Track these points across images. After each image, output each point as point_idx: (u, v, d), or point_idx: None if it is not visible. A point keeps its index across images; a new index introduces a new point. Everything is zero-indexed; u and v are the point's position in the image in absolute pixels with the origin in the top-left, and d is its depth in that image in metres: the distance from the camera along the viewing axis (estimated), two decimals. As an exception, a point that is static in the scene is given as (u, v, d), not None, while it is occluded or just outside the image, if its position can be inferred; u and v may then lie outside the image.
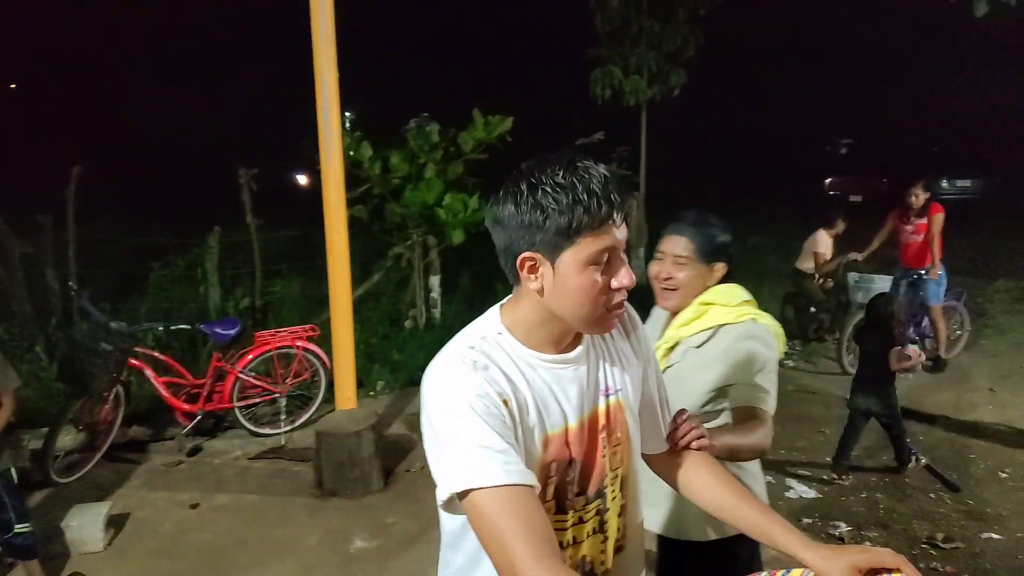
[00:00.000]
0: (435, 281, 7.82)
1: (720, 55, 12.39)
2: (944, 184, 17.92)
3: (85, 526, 3.70)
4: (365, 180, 7.10)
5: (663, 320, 2.07)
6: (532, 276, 1.18)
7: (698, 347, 1.90)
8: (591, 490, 1.28)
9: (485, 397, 1.15)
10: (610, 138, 8.20)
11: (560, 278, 1.15)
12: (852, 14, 18.31)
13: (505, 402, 1.17)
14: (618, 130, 8.75)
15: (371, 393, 6.12)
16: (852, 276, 6.63)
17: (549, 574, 1.02)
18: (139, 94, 17.46)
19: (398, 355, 6.92)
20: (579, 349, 1.27)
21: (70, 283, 5.85)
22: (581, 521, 1.28)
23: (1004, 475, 4.48)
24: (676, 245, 1.93)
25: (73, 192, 6.59)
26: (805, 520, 3.97)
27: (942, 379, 6.41)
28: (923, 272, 6.50)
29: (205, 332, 5.15)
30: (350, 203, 6.89)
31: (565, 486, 1.25)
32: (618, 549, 1.36)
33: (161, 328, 5.11)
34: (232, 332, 5.04)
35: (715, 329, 1.89)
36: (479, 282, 8.91)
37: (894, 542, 3.70)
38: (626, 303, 1.28)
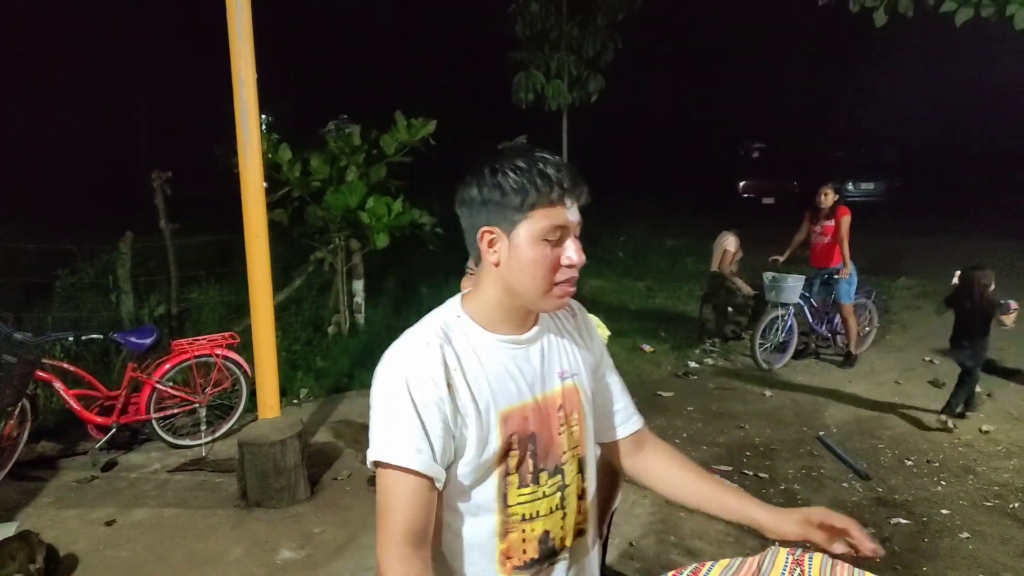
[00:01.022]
0: (358, 286, 7.73)
1: (638, 61, 12.72)
2: (849, 187, 18.81)
3: (-10, 548, 3.51)
4: (284, 183, 6.98)
5: None
6: (491, 249, 1.29)
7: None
8: (550, 465, 1.36)
9: (427, 381, 1.24)
10: (533, 141, 8.24)
11: (515, 250, 1.27)
12: (765, 22, 19.04)
13: (449, 385, 1.25)
14: (540, 134, 8.86)
15: (294, 401, 6.01)
16: (767, 276, 6.91)
17: (398, 560, 1.17)
18: (40, 94, 16.56)
19: (322, 362, 6.82)
20: (534, 330, 1.38)
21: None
22: (544, 496, 1.35)
23: (909, 463, 4.77)
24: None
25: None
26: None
27: (852, 374, 6.76)
28: (834, 272, 6.84)
29: (119, 342, 4.94)
30: (269, 207, 6.73)
31: (527, 459, 1.33)
32: (579, 532, 1.43)
33: (71, 338, 4.88)
34: (148, 341, 4.86)
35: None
36: (404, 286, 8.88)
37: None
38: (572, 301, 1.43)
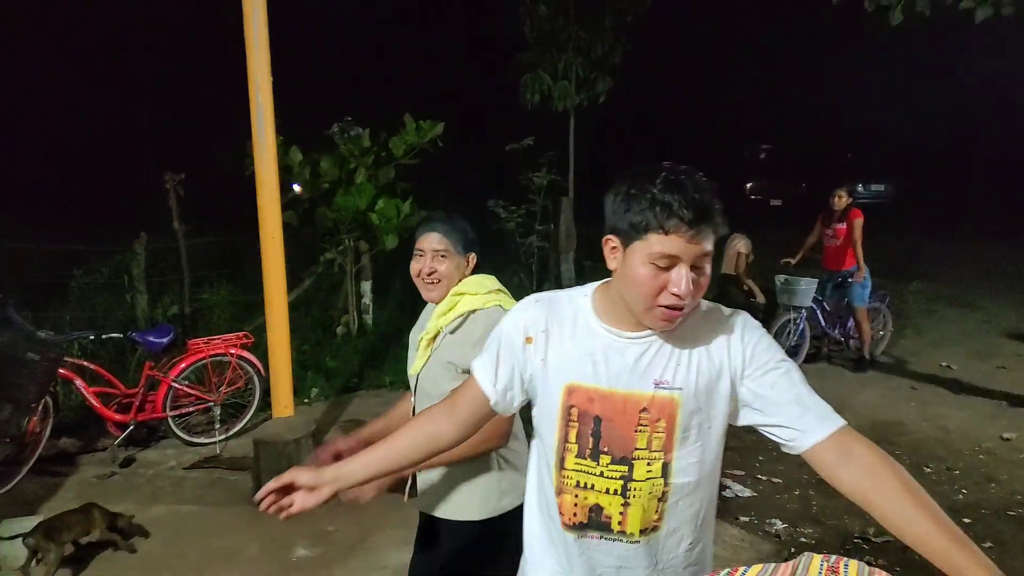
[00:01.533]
0: (367, 287, 7.82)
1: (646, 62, 12.77)
2: (860, 188, 18.74)
3: (11, 542, 3.61)
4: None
5: (430, 312, 2.25)
6: (611, 256, 1.42)
7: (452, 332, 2.08)
8: (616, 452, 1.46)
9: (516, 327, 1.54)
10: (540, 143, 8.37)
11: (627, 264, 1.37)
12: (773, 22, 19.06)
13: (529, 339, 1.52)
14: (548, 135, 8.94)
15: (305, 400, 6.10)
16: (779, 279, 6.91)
17: (441, 408, 1.62)
18: (56, 97, 16.72)
19: (331, 362, 6.92)
20: (641, 335, 1.45)
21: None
22: (601, 475, 1.47)
23: (928, 470, 4.75)
24: (434, 241, 2.14)
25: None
26: (742, 518, 4.13)
27: (866, 378, 6.73)
28: (847, 274, 6.84)
29: (137, 341, 5.05)
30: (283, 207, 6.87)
31: (587, 436, 1.47)
32: (652, 528, 1.50)
33: (91, 337, 4.98)
34: (165, 340, 4.97)
35: (466, 315, 2.06)
36: (411, 287, 8.91)
37: (828, 538, 3.88)
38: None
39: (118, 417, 4.83)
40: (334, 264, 7.53)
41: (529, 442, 1.69)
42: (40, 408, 4.52)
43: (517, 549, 1.95)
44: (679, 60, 19.99)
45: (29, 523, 3.71)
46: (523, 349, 1.52)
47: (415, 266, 2.16)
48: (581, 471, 1.48)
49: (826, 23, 14.76)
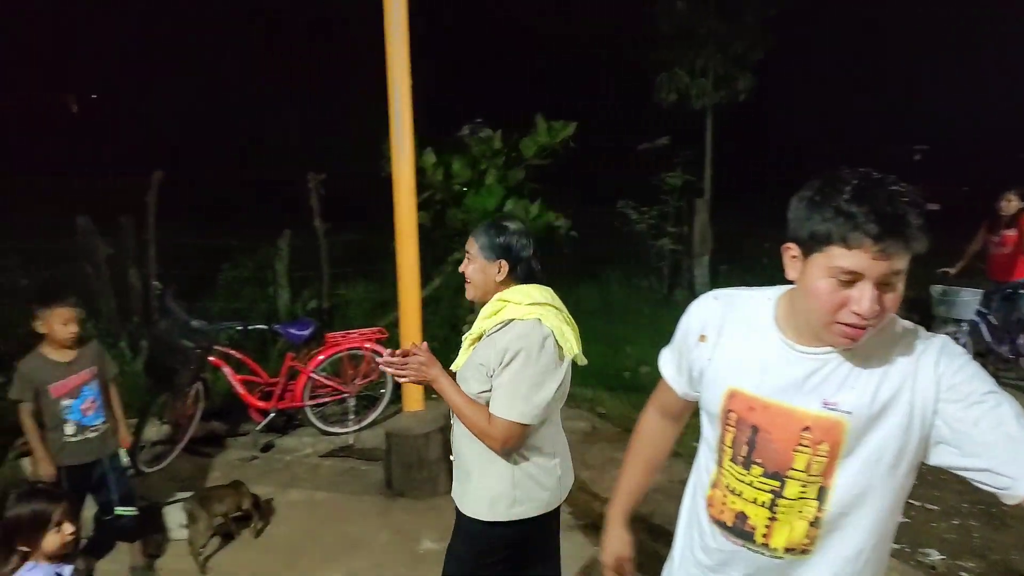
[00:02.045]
0: (494, 287, 7.87)
1: (791, 58, 12.19)
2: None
3: (167, 514, 3.87)
4: (427, 186, 7.21)
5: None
6: (791, 264, 1.34)
7: (490, 336, 2.13)
8: (769, 467, 1.39)
9: (694, 322, 1.55)
10: (675, 142, 8.16)
11: (806, 274, 1.29)
12: (926, 16, 17.74)
13: (702, 336, 1.51)
14: (683, 134, 8.69)
15: (433, 396, 6.18)
16: (936, 289, 6.37)
17: (648, 408, 1.80)
18: (210, 100, 18.02)
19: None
20: (817, 350, 1.35)
21: (155, 283, 6.09)
22: (750, 485, 1.42)
23: None
24: (469, 245, 2.26)
25: (154, 195, 6.88)
26: (893, 546, 3.85)
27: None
28: (1018, 286, 6.21)
29: (279, 332, 5.31)
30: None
31: (742, 444, 1.43)
32: (801, 550, 1.41)
33: (239, 328, 5.26)
34: (306, 333, 5.18)
35: (507, 322, 2.10)
36: (537, 288, 8.95)
37: (992, 573, 3.58)
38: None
39: (261, 404, 5.09)
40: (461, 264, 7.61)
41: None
42: (193, 392, 4.83)
43: (520, 558, 2.24)
44: (825, 56, 18.94)
45: (182, 498, 3.97)
46: (696, 345, 1.53)
47: (461, 265, 2.31)
48: (733, 475, 1.45)
49: (987, 14, 13.54)
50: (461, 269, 2.28)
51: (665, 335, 1.70)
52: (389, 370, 2.18)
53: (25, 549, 2.17)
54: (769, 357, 1.39)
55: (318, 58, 17.81)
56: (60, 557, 2.24)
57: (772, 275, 1.39)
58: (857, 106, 20.41)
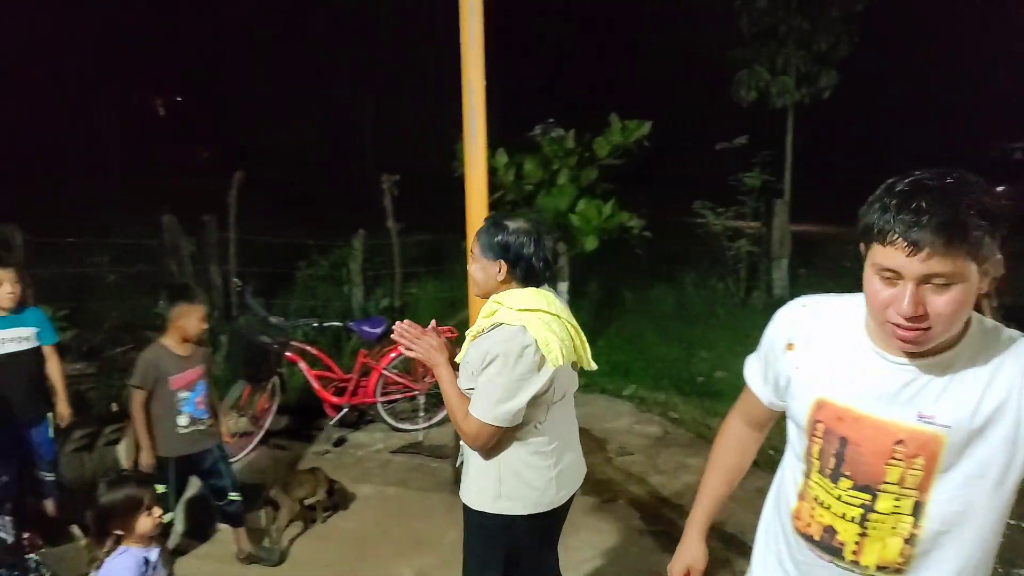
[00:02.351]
0: (563, 287, 7.81)
1: (877, 54, 11.71)
2: None
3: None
4: (499, 186, 7.22)
5: None
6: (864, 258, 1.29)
7: (481, 336, 2.17)
8: (859, 480, 1.33)
9: (779, 332, 1.51)
10: (753, 142, 7.94)
11: (864, 273, 1.28)
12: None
13: (789, 345, 1.47)
14: (762, 134, 8.45)
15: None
16: None
17: (726, 422, 1.79)
18: (286, 102, 18.57)
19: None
20: (910, 360, 1.29)
21: (235, 279, 6.29)
22: (839, 499, 1.36)
23: None
24: (472, 244, 2.30)
25: (235, 195, 7.12)
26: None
27: None
28: None
29: (353, 330, 5.40)
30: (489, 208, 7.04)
31: (830, 456, 1.37)
32: (895, 569, 1.35)
33: (315, 324, 5.38)
34: (379, 331, 5.26)
35: (496, 325, 2.13)
36: (607, 290, 8.85)
37: None
38: None
39: (334, 399, 5.18)
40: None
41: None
42: (270, 387, 4.96)
43: (514, 554, 2.31)
44: (917, 52, 18.11)
45: (258, 490, 4.07)
46: (783, 354, 1.48)
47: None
48: (821, 488, 1.40)
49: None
50: (468, 268, 2.33)
51: (741, 339, 1.66)
52: (401, 339, 2.22)
53: (119, 533, 2.27)
54: (860, 366, 1.34)
55: (393, 59, 18.15)
56: (148, 540, 2.33)
57: (855, 280, 1.32)
58: (952, 102, 19.43)
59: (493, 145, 6.97)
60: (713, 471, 1.79)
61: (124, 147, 20.61)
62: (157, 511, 2.34)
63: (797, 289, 8.68)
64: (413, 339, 2.21)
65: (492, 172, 6.99)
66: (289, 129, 17.92)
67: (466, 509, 2.34)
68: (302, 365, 5.13)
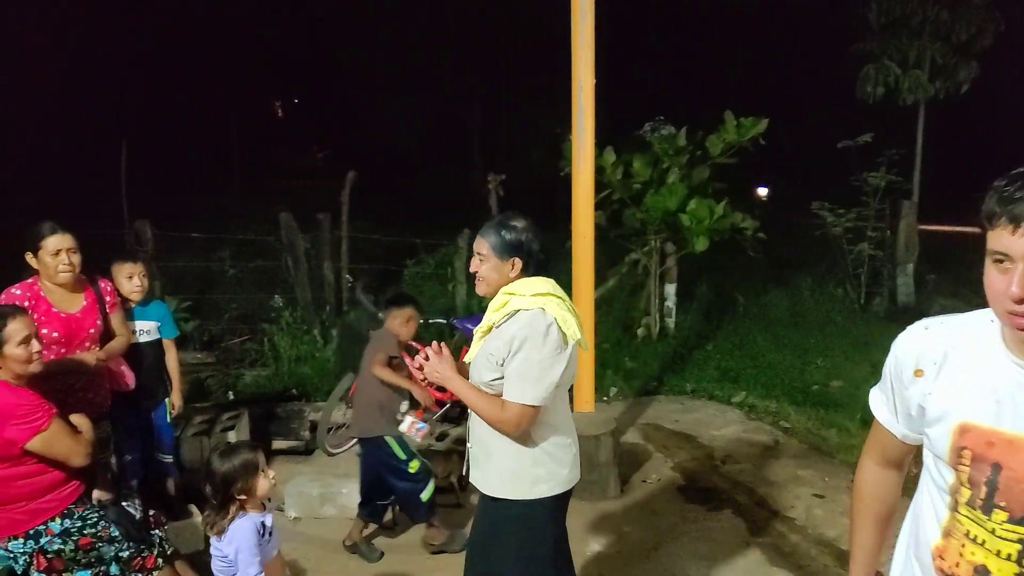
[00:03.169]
0: (671, 290, 7.64)
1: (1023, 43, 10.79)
2: None
3: (353, 494, 4.04)
4: (605, 185, 7.11)
5: None
6: None
7: (498, 327, 2.26)
8: (1016, 511, 1.20)
9: (904, 360, 1.39)
10: (880, 140, 7.48)
11: (984, 265, 1.21)
12: None
13: (917, 371, 1.35)
14: (890, 131, 7.95)
15: (604, 399, 6.10)
16: None
17: (860, 466, 1.61)
18: (396, 104, 19.02)
19: (631, 362, 6.85)
20: None
21: (346, 276, 6.48)
22: (992, 533, 1.23)
23: None
24: (480, 245, 2.34)
25: (348, 194, 7.35)
26: None
27: None
28: None
29: (456, 326, 5.45)
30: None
31: (980, 484, 1.24)
32: None
33: (420, 320, 5.45)
34: (481, 328, 5.27)
35: (512, 313, 2.23)
36: (717, 292, 8.57)
37: None
38: None
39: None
40: (639, 265, 7.46)
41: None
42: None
43: (546, 536, 2.34)
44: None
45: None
46: (912, 382, 1.37)
47: (471, 264, 2.39)
48: (971, 522, 1.26)
49: None
50: (473, 268, 2.37)
51: (860, 347, 1.54)
52: (417, 375, 2.40)
53: (242, 497, 2.36)
54: (1002, 382, 1.22)
55: (500, 60, 18.29)
56: (262, 506, 2.45)
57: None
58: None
59: (600, 143, 6.89)
60: (861, 525, 1.63)
61: (244, 149, 21.78)
62: (271, 472, 2.45)
63: (923, 297, 8.13)
64: (422, 372, 2.35)
65: (599, 171, 6.91)
66: (399, 131, 18.41)
67: (492, 506, 2.35)
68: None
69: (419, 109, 18.63)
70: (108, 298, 3.38)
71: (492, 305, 2.33)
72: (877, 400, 1.52)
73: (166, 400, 3.88)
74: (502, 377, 2.23)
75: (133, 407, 3.67)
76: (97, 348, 3.27)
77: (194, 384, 6.04)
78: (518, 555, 2.34)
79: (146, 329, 3.76)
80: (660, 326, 7.52)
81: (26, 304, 2.98)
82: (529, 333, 2.17)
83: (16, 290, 3.09)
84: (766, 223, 7.12)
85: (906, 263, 7.78)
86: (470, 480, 2.45)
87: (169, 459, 3.90)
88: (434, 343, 2.42)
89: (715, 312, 8.15)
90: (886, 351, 1.48)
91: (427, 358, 2.35)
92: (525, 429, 2.24)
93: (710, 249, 6.84)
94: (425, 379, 2.37)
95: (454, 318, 5.51)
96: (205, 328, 7.07)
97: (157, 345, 3.83)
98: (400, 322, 3.76)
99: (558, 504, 2.38)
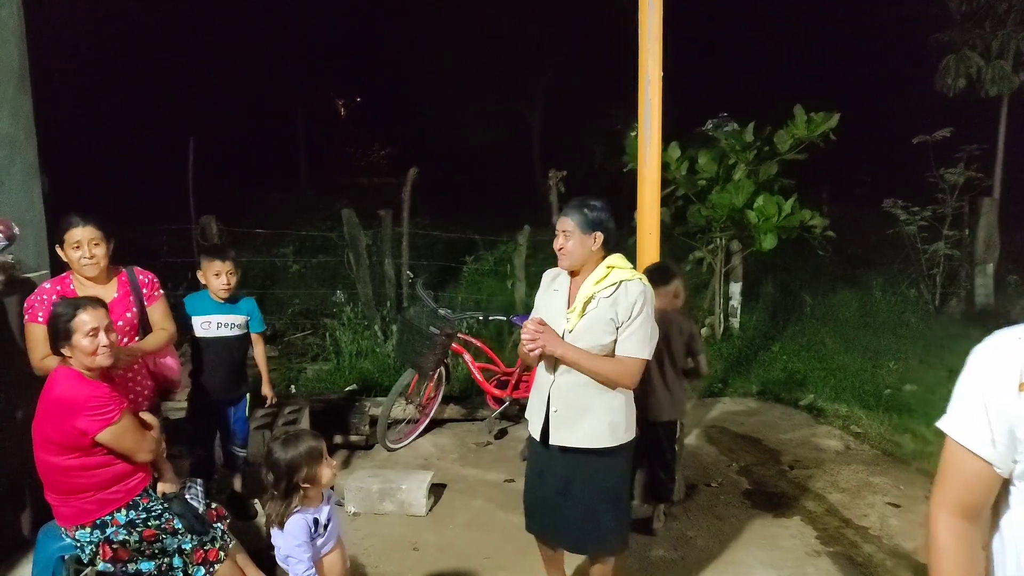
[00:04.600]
0: (736, 289, 7.45)
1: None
2: None
3: (412, 490, 4.07)
4: (670, 181, 6.97)
5: (567, 283, 2.71)
6: None
7: (608, 297, 2.57)
8: None
9: (997, 376, 1.25)
10: (960, 134, 7.14)
11: None
12: None
13: (1021, 386, 1.22)
14: (970, 126, 7.59)
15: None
16: None
17: (943, 526, 1.32)
18: (455, 100, 19.06)
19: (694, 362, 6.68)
20: None
21: (408, 272, 6.51)
22: None
23: None
24: (563, 223, 2.62)
25: (409, 191, 7.38)
26: None
27: None
28: None
29: (516, 324, 5.40)
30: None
31: None
32: None
33: (480, 317, 5.44)
34: (541, 326, 5.21)
35: (618, 284, 2.57)
36: (784, 292, 8.34)
37: None
38: None
39: (496, 392, 5.21)
40: (703, 263, 7.30)
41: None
42: (436, 376, 5.07)
43: (628, 471, 2.81)
44: None
45: (425, 477, 4.17)
46: (1018, 397, 1.23)
47: (556, 242, 2.65)
48: None
49: None
50: (557, 246, 2.63)
51: (936, 351, 1.41)
52: (526, 335, 2.54)
53: (306, 485, 2.36)
54: None
55: (561, 56, 18.15)
56: (322, 497, 2.45)
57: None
58: None
59: (665, 139, 6.74)
60: None
61: (311, 147, 22.19)
62: (334, 461, 2.46)
63: (1003, 299, 7.73)
64: (533, 336, 2.53)
65: (664, 167, 6.77)
66: (459, 128, 18.47)
67: (586, 457, 2.64)
68: (466, 357, 5.20)
69: (480, 106, 18.65)
70: (145, 290, 3.26)
71: (591, 277, 2.59)
72: (963, 425, 1.29)
73: (247, 395, 3.92)
74: (615, 340, 2.56)
75: (210, 400, 3.73)
76: (132, 341, 3.16)
77: (256, 378, 6.16)
78: (613, 492, 2.71)
79: (236, 323, 3.79)
80: (724, 326, 7.34)
81: (54, 298, 2.95)
82: (645, 299, 2.55)
83: (47, 284, 3.08)
84: (833, 221, 6.88)
85: (985, 263, 7.41)
86: (552, 442, 2.67)
87: (243, 453, 3.93)
88: (536, 319, 2.62)
89: (781, 312, 7.92)
90: (964, 355, 1.33)
91: (540, 327, 2.55)
92: (638, 379, 2.61)
93: (776, 247, 6.64)
94: (534, 350, 2.54)
95: (513, 315, 5.46)
96: (269, 323, 7.20)
97: (243, 339, 3.86)
98: (667, 299, 3.66)
99: (630, 446, 2.73)
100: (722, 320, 7.32)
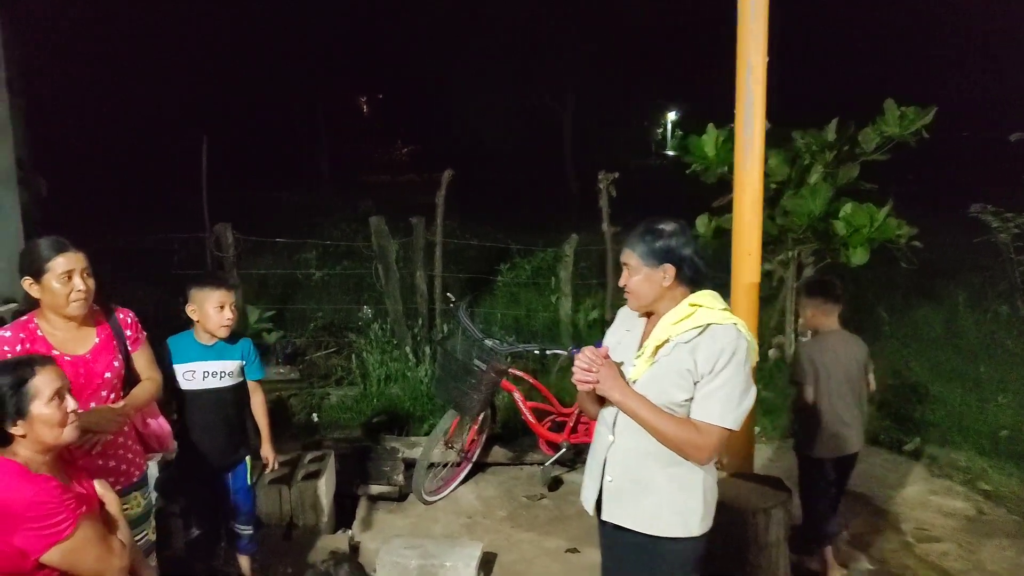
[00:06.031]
0: (807, 305, 6.63)
1: None
2: None
3: (459, 569, 3.34)
4: (729, 186, 6.16)
5: (642, 323, 2.21)
6: None
7: (687, 342, 2.04)
8: None
9: None
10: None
11: None
12: None
13: None
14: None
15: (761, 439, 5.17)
16: None
17: None
18: (478, 97, 18.42)
19: (764, 391, 5.87)
20: None
21: (448, 295, 5.76)
22: None
23: None
24: (627, 256, 2.14)
25: (443, 196, 6.64)
26: None
27: None
28: None
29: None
30: (715, 211, 6.04)
31: None
32: None
33: (536, 352, 4.69)
34: (607, 360, 4.45)
35: (704, 327, 2.04)
36: (860, 310, 7.48)
37: None
38: None
39: (552, 436, 4.46)
40: (772, 277, 6.49)
41: None
42: (481, 418, 4.33)
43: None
44: None
45: (474, 550, 3.43)
46: None
47: (620, 279, 2.18)
48: None
49: None
50: (621, 283, 2.16)
51: None
52: (580, 363, 2.07)
53: None
54: None
55: (589, 57, 17.48)
56: None
57: None
58: None
59: (726, 138, 5.98)
60: None
61: (332, 145, 21.64)
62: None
63: None
64: (588, 369, 2.06)
65: (705, 160, 6.00)
66: (484, 125, 17.82)
67: (645, 545, 2.12)
68: (516, 395, 4.45)
69: (507, 101, 17.97)
70: (129, 332, 2.59)
71: (668, 318, 2.09)
72: None
73: (247, 458, 3.13)
74: (691, 398, 2.03)
75: (203, 468, 2.99)
76: (119, 398, 2.49)
77: (276, 404, 5.46)
78: None
79: (228, 371, 3.00)
80: (795, 347, 6.53)
81: (18, 349, 2.28)
82: (734, 351, 2.00)
83: (7, 332, 2.34)
84: (924, 229, 6.06)
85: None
86: (604, 517, 2.20)
87: (249, 531, 3.15)
88: (603, 347, 2.16)
89: (855, 330, 7.07)
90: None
91: (597, 358, 2.07)
92: (716, 455, 2.11)
93: (870, 261, 5.80)
94: (585, 383, 2.06)
95: (574, 348, 4.68)
96: (289, 341, 6.49)
97: (239, 390, 3.07)
98: (835, 317, 3.56)
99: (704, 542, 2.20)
100: (792, 341, 6.51)
